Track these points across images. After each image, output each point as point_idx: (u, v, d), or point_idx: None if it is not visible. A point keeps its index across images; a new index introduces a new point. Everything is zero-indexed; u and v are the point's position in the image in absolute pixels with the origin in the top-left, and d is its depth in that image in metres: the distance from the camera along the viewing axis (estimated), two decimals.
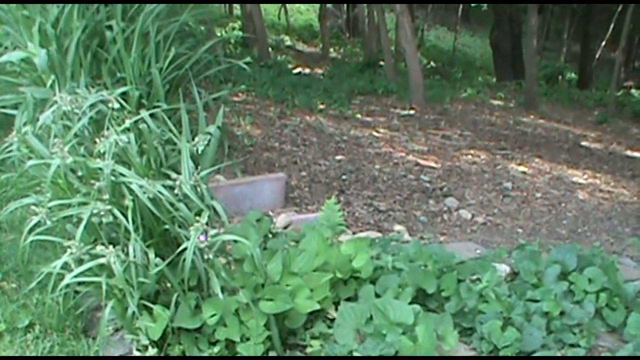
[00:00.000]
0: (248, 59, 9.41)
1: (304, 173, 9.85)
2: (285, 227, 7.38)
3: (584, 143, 16.39)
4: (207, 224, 4.59)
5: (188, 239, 4.44)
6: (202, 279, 4.72)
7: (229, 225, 4.99)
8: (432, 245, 6.95)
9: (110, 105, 5.25)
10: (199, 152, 5.34)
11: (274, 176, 8.63)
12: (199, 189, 4.92)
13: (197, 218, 4.51)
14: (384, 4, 19.34)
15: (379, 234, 7.63)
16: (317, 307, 4.88)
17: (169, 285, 4.80)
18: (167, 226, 4.72)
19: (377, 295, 5.40)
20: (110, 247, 4.32)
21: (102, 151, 4.66)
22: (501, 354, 5.22)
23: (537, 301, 6.02)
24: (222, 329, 4.67)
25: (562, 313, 5.94)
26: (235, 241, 4.97)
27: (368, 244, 5.69)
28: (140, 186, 4.55)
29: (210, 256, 4.55)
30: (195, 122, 6.62)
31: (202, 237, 4.44)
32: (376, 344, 4.64)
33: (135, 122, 5.27)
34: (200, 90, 7.89)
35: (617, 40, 23.34)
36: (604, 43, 29.40)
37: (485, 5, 25.27)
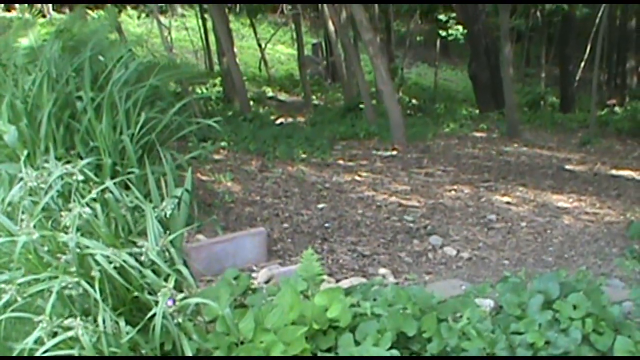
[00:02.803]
0: (218, 118, 9.45)
1: (286, 225, 9.84)
2: (267, 281, 7.37)
3: (568, 167, 16.40)
4: (175, 288, 4.58)
5: (157, 305, 4.44)
6: (176, 343, 4.70)
7: (201, 287, 5.00)
8: (411, 287, 6.92)
9: (74, 177, 5.26)
10: (167, 216, 5.33)
11: (255, 231, 8.63)
12: (167, 254, 4.91)
13: (164, 283, 4.51)
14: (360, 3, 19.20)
15: (364, 279, 7.63)
16: None
17: (144, 352, 4.78)
18: (137, 293, 4.71)
19: (357, 343, 5.38)
20: (78, 319, 4.31)
21: (67, 224, 4.67)
22: None
23: (521, 333, 6.00)
24: None
25: (547, 343, 5.93)
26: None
27: (342, 293, 5.67)
28: (106, 256, 4.55)
29: (180, 320, 4.54)
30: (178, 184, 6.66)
31: (169, 302, 4.43)
32: None
33: (103, 191, 5.28)
34: (173, 152, 7.93)
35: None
36: (583, 64, 29.52)
37: (463, 38, 25.48)
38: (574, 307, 6.41)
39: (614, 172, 16.15)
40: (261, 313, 5.15)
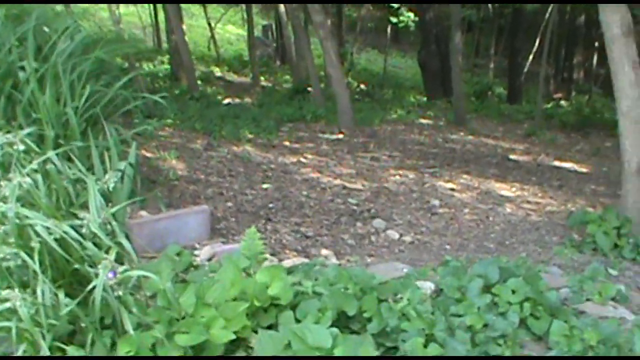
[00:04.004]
0: (164, 94, 9.39)
1: (230, 204, 9.80)
2: (210, 259, 7.35)
3: (512, 156, 16.54)
4: (116, 261, 4.55)
5: (98, 277, 4.40)
6: (116, 316, 4.67)
7: (144, 264, 4.96)
8: (353, 268, 6.95)
9: (15, 147, 5.18)
10: (110, 188, 5.28)
11: (199, 208, 8.58)
12: (108, 227, 4.86)
13: (105, 256, 4.47)
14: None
15: (306, 260, 7.62)
16: (233, 336, 4.85)
17: (83, 325, 4.74)
18: (77, 266, 4.67)
19: (298, 321, 5.38)
20: (16, 290, 4.26)
21: (6, 194, 4.61)
22: None
23: (460, 316, 6.05)
24: None
25: (485, 325, 5.98)
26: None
27: (283, 271, 5.66)
28: (46, 227, 4.49)
29: (120, 293, 4.50)
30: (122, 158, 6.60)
31: (110, 275, 4.39)
32: None
33: (45, 162, 5.22)
34: (118, 127, 7.86)
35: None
36: (531, 57, 29.72)
37: (414, 25, 25.52)
38: (513, 292, 6.48)
39: (557, 163, 16.33)
40: (202, 288, 5.13)
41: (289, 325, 5.14)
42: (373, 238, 9.42)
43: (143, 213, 8.31)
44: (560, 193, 13.26)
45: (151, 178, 10.00)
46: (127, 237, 5.16)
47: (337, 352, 4.76)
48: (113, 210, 4.99)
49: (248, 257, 6.12)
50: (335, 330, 5.08)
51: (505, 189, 12.95)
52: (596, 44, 31.23)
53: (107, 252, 4.57)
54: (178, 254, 6.87)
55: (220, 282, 5.28)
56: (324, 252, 8.46)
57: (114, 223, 4.92)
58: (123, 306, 4.61)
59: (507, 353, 5.81)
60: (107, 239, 4.70)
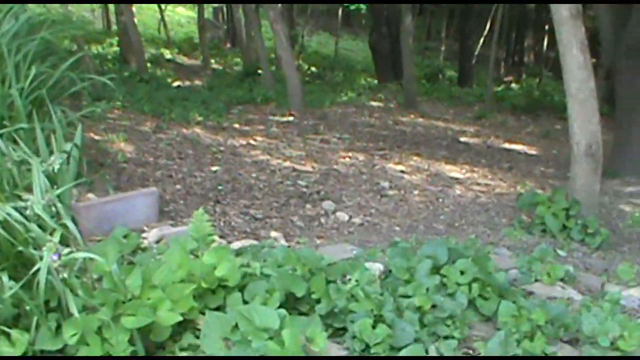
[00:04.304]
0: (112, 75, 9.29)
1: (179, 186, 9.73)
2: (158, 242, 7.30)
3: (462, 139, 16.61)
4: (61, 243, 4.50)
5: (42, 260, 4.34)
6: (61, 299, 4.62)
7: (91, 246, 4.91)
8: (301, 249, 6.94)
9: None
10: (55, 170, 5.22)
11: (147, 191, 8.52)
12: (53, 208, 4.81)
13: (50, 237, 4.42)
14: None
15: (256, 242, 7.60)
16: (180, 318, 4.82)
17: (28, 308, 4.69)
18: (21, 248, 4.61)
19: (246, 303, 5.36)
20: None
21: None
22: (372, 351, 5.23)
23: (409, 297, 6.05)
24: (84, 348, 4.57)
25: (434, 306, 5.98)
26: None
27: (230, 252, 5.64)
28: None
29: (65, 275, 4.45)
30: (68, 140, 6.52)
31: (54, 257, 4.34)
32: (242, 351, 4.60)
33: None
34: (65, 108, 7.77)
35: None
36: (482, 40, 29.83)
37: (365, 7, 25.48)
38: (462, 273, 6.50)
39: (506, 145, 16.43)
40: (149, 270, 5.08)
41: (236, 307, 5.12)
42: (322, 220, 9.40)
43: (90, 196, 8.23)
44: (510, 175, 13.34)
45: (99, 161, 9.91)
46: (73, 219, 5.11)
47: (285, 334, 4.74)
48: (58, 192, 4.95)
49: (196, 239, 6.08)
50: (283, 311, 5.07)
51: (455, 171, 13.00)
52: (547, 27, 31.45)
53: (51, 234, 4.52)
54: (125, 237, 6.83)
55: (166, 263, 5.24)
56: (273, 234, 8.44)
57: (59, 205, 4.86)
58: (68, 289, 4.56)
59: (456, 334, 5.82)
60: (52, 221, 4.65)
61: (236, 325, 4.92)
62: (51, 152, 6.00)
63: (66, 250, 4.47)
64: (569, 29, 9.52)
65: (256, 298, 5.36)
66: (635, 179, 13.59)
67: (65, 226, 4.76)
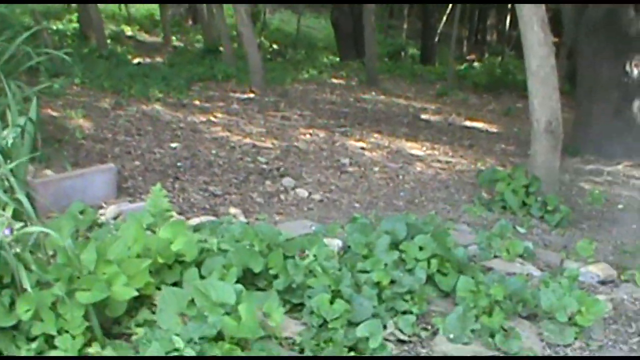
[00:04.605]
0: (70, 50, 9.18)
1: (137, 162, 9.65)
2: (116, 218, 7.24)
3: (423, 116, 16.60)
4: (15, 218, 4.44)
5: None
6: (15, 274, 4.56)
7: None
8: (259, 224, 6.91)
9: None
10: (8, 145, 5.15)
11: (105, 167, 8.45)
12: (7, 183, 4.74)
13: (1, 212, 4.35)
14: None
15: (214, 218, 7.55)
16: (135, 293, 4.77)
17: None
18: None
19: (203, 278, 5.32)
20: None
21: None
22: (330, 326, 5.21)
23: (367, 272, 6.04)
24: (38, 324, 4.52)
25: (392, 282, 5.99)
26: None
27: (186, 227, 5.61)
28: None
29: (18, 250, 4.39)
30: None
31: (6, 232, 4.28)
32: (198, 326, 4.56)
33: None
34: (20, 83, 7.67)
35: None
36: (445, 19, 29.82)
37: None
38: (420, 248, 6.50)
39: (468, 123, 16.44)
40: (104, 245, 5.03)
41: (193, 282, 5.09)
42: (282, 196, 9.36)
43: (48, 172, 8.15)
44: (471, 152, 13.35)
45: (56, 137, 9.81)
46: (29, 195, 5.05)
47: (241, 309, 4.72)
48: (10, 166, 4.87)
49: (153, 214, 6.05)
50: (239, 286, 5.04)
51: (415, 148, 12.98)
52: (509, 6, 31.44)
53: (3, 209, 4.45)
54: (82, 212, 6.76)
55: (122, 238, 5.18)
56: (233, 210, 8.39)
57: (12, 179, 4.80)
58: (22, 264, 4.49)
59: (414, 309, 5.83)
60: (4, 196, 4.58)
61: (192, 301, 4.89)
62: (5, 127, 5.91)
63: (18, 225, 4.41)
64: (529, 7, 9.52)
65: (213, 273, 5.33)
66: (595, 157, 13.67)
67: (18, 201, 4.70)
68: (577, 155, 13.69)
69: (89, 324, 4.59)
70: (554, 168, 10.21)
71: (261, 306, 5.10)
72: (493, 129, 16.16)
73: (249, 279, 5.62)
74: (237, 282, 5.23)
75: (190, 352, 4.23)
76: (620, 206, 11.05)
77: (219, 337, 4.60)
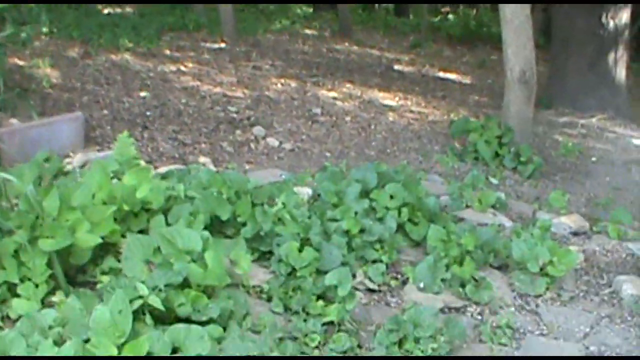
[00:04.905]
0: None
1: (106, 112, 9.50)
2: (83, 167, 7.12)
3: (397, 67, 16.46)
4: None
5: None
6: None
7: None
8: (227, 172, 6.82)
9: None
10: None
11: (72, 116, 8.32)
12: None
13: None
14: None
15: (183, 167, 7.45)
16: (99, 240, 4.68)
17: None
18: None
19: (169, 225, 5.23)
20: None
21: None
22: (299, 274, 5.15)
23: (337, 220, 5.98)
24: (0, 272, 4.42)
25: (362, 230, 5.94)
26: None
27: (151, 173, 5.50)
28: None
29: None
30: None
31: None
32: (164, 274, 4.47)
33: None
34: None
35: None
36: None
37: None
38: (391, 197, 6.45)
39: (441, 74, 16.33)
40: (68, 192, 4.92)
41: (159, 229, 4.99)
42: (252, 146, 9.27)
43: (13, 121, 8.02)
44: (444, 103, 13.27)
45: (23, 86, 9.64)
46: None
47: (208, 256, 4.64)
48: None
49: (119, 162, 5.95)
50: (206, 233, 4.96)
51: (388, 98, 12.88)
52: None
53: None
54: (47, 160, 6.64)
55: (85, 185, 5.08)
56: (202, 159, 8.30)
57: None
58: None
59: (384, 258, 5.79)
60: None
61: (158, 248, 4.80)
62: None
63: None
64: None
65: (180, 221, 5.23)
66: (569, 109, 13.64)
67: None
68: (551, 107, 13.65)
69: (52, 272, 4.50)
70: (527, 119, 10.18)
71: (228, 254, 5.04)
72: (466, 80, 16.08)
73: (216, 226, 5.54)
74: (204, 229, 5.15)
75: (155, 299, 4.14)
76: (593, 159, 11.05)
77: (185, 284, 4.52)
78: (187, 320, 4.24)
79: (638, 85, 14.46)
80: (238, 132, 9.65)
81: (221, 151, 8.87)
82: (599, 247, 7.08)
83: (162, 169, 7.19)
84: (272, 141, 9.48)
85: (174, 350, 3.88)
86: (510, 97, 10.08)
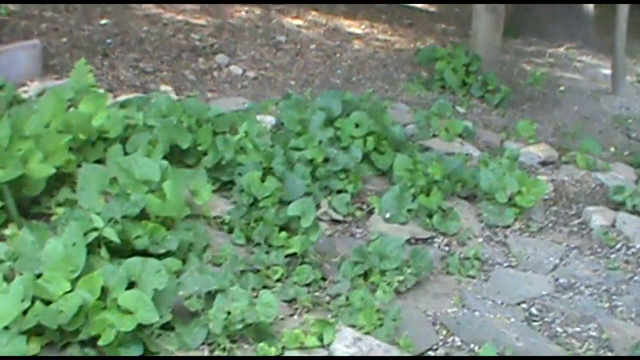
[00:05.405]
0: None
1: (64, 39, 9.23)
2: (40, 95, 6.90)
3: None
4: None
5: None
6: None
7: None
8: (187, 100, 6.65)
9: None
10: None
11: (29, 43, 8.09)
12: None
13: None
14: None
15: (144, 95, 7.26)
16: (53, 171, 4.52)
17: None
18: None
19: (127, 155, 5.06)
20: None
21: None
22: (261, 204, 5.03)
23: (301, 149, 5.86)
24: None
25: (327, 160, 5.84)
26: None
27: (107, 101, 5.32)
28: None
29: None
30: None
31: None
32: (120, 205, 4.32)
33: None
34: None
35: None
36: None
37: None
38: (356, 126, 6.34)
39: (408, 4, 16.11)
40: (20, 120, 4.72)
41: (117, 159, 4.82)
42: (215, 74, 9.09)
43: None
44: (410, 31, 13.09)
45: None
46: None
47: (166, 186, 4.48)
48: None
49: (76, 89, 5.74)
50: (165, 163, 4.81)
51: (354, 26, 12.66)
52: None
53: None
54: (0, 89, 6.43)
55: (38, 112, 4.88)
56: (164, 87, 8.12)
57: None
58: None
59: (349, 188, 5.68)
60: None
61: (115, 179, 4.63)
62: None
63: None
64: None
65: (139, 150, 5.06)
66: (537, 38, 13.53)
67: None
68: (519, 36, 13.52)
69: (3, 203, 4.33)
70: (495, 47, 10.11)
71: (188, 184, 4.89)
72: (433, 8, 15.86)
73: (176, 156, 5.39)
74: (163, 159, 4.99)
75: (110, 232, 3.99)
76: (561, 88, 10.99)
77: (143, 216, 4.38)
78: (145, 253, 4.10)
79: (605, 15, 14.30)
80: (201, 60, 9.44)
81: (183, 79, 8.68)
82: (568, 177, 7.04)
83: (122, 98, 7.00)
84: (236, 69, 9.29)
85: (131, 284, 3.73)
86: (477, 25, 9.99)
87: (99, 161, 5.08)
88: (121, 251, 4.11)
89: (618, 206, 6.38)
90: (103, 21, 10.23)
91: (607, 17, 12.65)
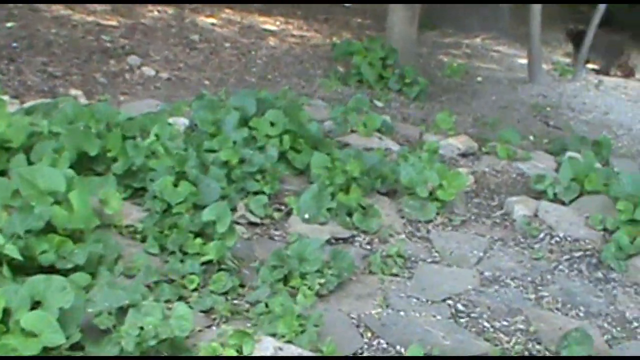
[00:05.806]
0: None
1: None
2: None
3: None
4: None
5: None
6: None
7: None
8: (96, 104, 6.45)
9: None
10: None
11: None
12: None
13: None
14: None
15: (52, 101, 7.03)
16: None
17: None
18: None
19: (31, 165, 4.83)
20: None
21: None
22: (175, 210, 4.86)
23: (215, 151, 5.73)
24: None
25: (242, 161, 5.72)
26: None
27: (6, 108, 5.09)
28: None
29: None
30: None
31: None
32: (24, 219, 4.10)
33: None
34: None
35: None
36: None
37: None
38: (272, 124, 6.25)
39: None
40: None
41: (20, 169, 4.59)
42: (127, 76, 8.88)
43: None
44: (326, 26, 13.04)
45: None
46: None
47: (73, 196, 4.27)
48: None
49: None
50: (70, 172, 4.59)
51: (269, 23, 12.56)
52: None
53: None
54: None
55: None
56: (73, 92, 7.90)
57: None
58: None
59: (266, 189, 5.58)
60: None
61: (18, 191, 4.41)
62: None
63: None
64: None
65: (43, 159, 4.84)
66: (453, 30, 13.62)
67: None
68: (435, 28, 13.59)
69: None
70: (411, 40, 10.12)
71: (97, 193, 4.68)
72: (348, 4, 15.81)
73: (85, 163, 5.18)
74: (70, 167, 4.78)
75: (12, 248, 3.77)
76: (479, 78, 11.04)
77: (49, 229, 4.16)
78: (52, 269, 3.90)
79: (520, 5, 14.39)
80: (112, 62, 9.22)
81: (94, 82, 8.45)
82: (489, 167, 7.04)
83: (29, 104, 6.76)
84: (148, 70, 9.10)
85: (36, 303, 3.53)
86: (393, 19, 10.00)
87: (1, 173, 4.85)
88: (26, 268, 3.89)
89: (540, 195, 6.38)
90: (9, 24, 9.95)
91: (522, 8, 12.73)
